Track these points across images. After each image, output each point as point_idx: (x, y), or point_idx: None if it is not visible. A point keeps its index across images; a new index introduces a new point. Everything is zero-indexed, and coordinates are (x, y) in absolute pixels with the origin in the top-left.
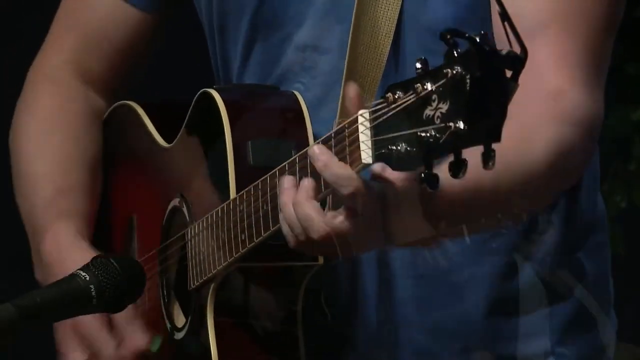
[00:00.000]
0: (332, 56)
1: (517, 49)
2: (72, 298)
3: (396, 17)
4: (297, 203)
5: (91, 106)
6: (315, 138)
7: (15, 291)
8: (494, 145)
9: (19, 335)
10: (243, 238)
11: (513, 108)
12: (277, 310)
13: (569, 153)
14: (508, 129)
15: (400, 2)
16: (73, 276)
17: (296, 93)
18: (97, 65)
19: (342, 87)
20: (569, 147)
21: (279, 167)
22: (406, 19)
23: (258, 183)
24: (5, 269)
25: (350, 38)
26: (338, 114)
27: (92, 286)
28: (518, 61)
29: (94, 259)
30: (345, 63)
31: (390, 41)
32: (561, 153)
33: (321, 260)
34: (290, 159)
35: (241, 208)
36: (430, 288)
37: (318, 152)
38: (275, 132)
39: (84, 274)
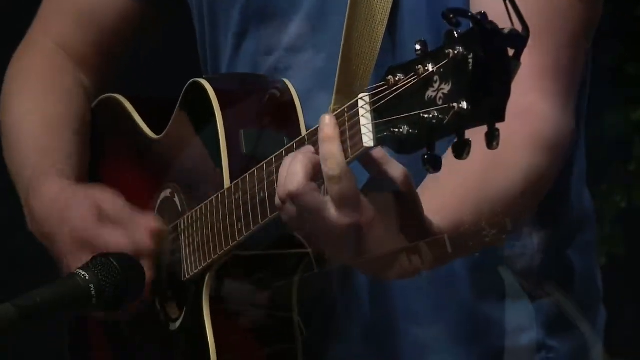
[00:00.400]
0: (324, 47)
1: (518, 28)
2: (72, 297)
3: (390, 6)
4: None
5: (81, 82)
6: (307, 127)
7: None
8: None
9: (19, 335)
10: (240, 227)
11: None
12: (273, 299)
13: (541, 179)
14: (481, 153)
15: None
16: (73, 275)
17: (286, 81)
18: (85, 48)
19: (337, 74)
20: (542, 173)
21: (276, 154)
22: (402, 6)
23: (254, 171)
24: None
25: (345, 25)
26: (333, 101)
27: (91, 285)
28: (520, 39)
29: (93, 258)
30: (341, 50)
31: (384, 29)
32: (534, 180)
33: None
34: (288, 145)
35: (237, 196)
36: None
37: (327, 122)
38: (267, 121)
39: (83, 273)
